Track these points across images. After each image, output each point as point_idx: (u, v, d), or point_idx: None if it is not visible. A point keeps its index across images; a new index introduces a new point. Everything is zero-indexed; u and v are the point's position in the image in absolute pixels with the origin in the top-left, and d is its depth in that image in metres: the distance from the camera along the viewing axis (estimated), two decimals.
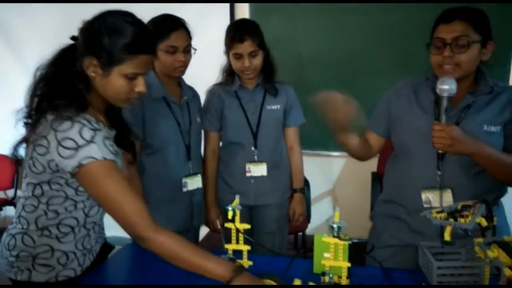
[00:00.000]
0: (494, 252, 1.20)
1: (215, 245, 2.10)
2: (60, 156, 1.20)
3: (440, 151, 1.46)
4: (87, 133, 1.21)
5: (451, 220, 1.28)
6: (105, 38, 1.22)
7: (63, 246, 1.34)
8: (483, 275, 1.23)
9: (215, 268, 1.20)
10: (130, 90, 1.28)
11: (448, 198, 1.52)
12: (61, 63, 1.27)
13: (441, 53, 1.45)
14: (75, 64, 1.25)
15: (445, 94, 1.39)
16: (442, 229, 1.29)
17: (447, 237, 1.26)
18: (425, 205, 1.55)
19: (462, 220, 1.27)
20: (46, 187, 1.28)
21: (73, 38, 1.29)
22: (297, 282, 1.26)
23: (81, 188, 1.28)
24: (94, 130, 1.22)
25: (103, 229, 1.53)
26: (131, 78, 1.26)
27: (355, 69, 3.05)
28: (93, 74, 1.25)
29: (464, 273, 1.25)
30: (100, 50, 1.23)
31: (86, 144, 1.20)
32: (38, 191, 1.30)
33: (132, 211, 1.22)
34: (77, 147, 1.19)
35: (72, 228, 1.34)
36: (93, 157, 1.20)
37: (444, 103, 1.39)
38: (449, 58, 1.44)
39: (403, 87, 1.67)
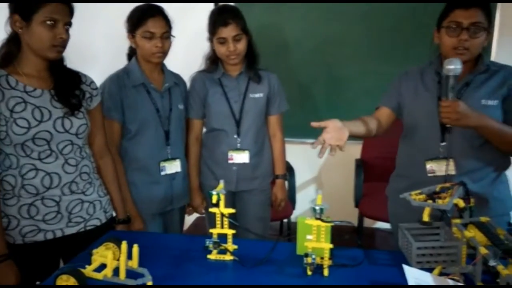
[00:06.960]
0: (471, 232, 1.24)
1: (202, 231, 2.12)
2: None
3: (447, 126, 1.55)
4: None
5: (429, 201, 1.32)
6: None
7: (7, 209, 1.46)
8: (460, 255, 1.26)
9: None
10: (52, 37, 1.43)
11: (451, 167, 1.63)
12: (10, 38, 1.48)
13: (457, 36, 1.56)
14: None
15: (452, 73, 1.50)
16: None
17: (425, 217, 1.30)
18: (429, 175, 1.67)
19: (440, 201, 1.31)
20: None
21: None
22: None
23: (6, 141, 1.42)
24: None
25: (83, 217, 1.58)
26: (51, 26, 1.41)
27: (338, 56, 3.07)
28: (20, 30, 1.42)
29: (442, 253, 1.29)
30: (18, 4, 1.41)
31: None
32: None
33: None
34: None
35: (13, 188, 1.45)
36: None
37: (451, 81, 1.50)
38: (463, 41, 1.55)
39: (411, 71, 1.82)
